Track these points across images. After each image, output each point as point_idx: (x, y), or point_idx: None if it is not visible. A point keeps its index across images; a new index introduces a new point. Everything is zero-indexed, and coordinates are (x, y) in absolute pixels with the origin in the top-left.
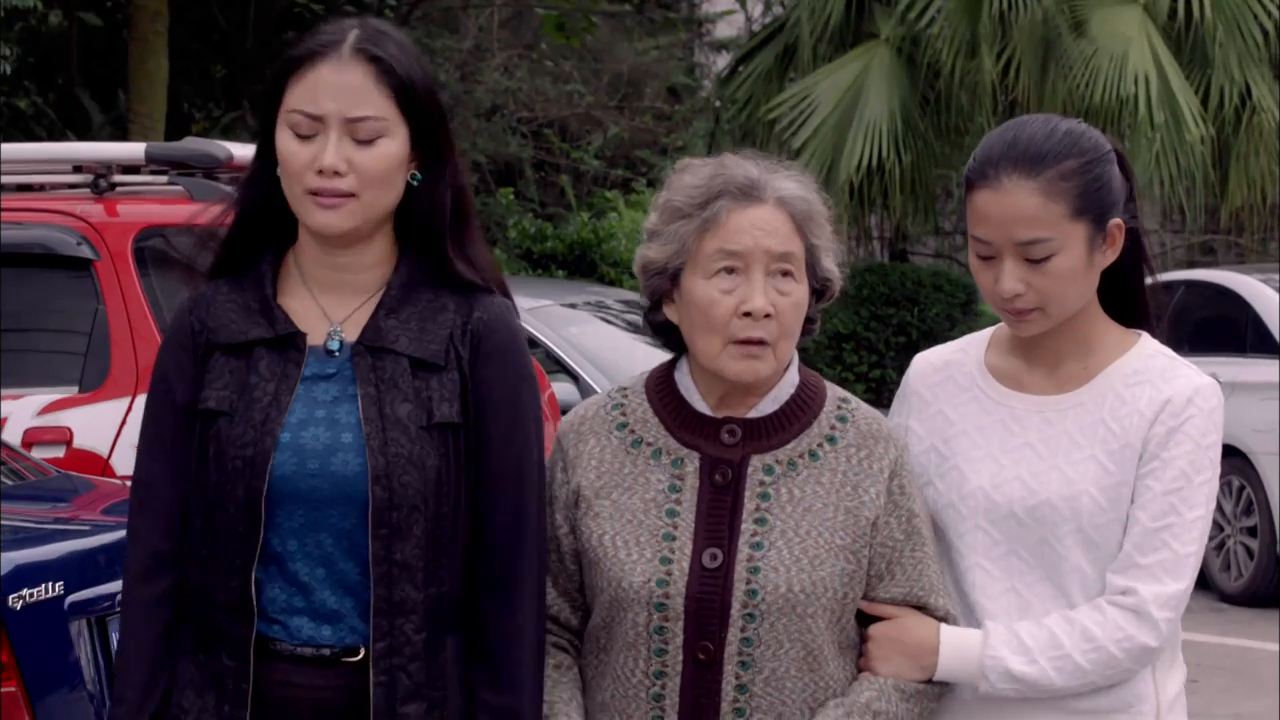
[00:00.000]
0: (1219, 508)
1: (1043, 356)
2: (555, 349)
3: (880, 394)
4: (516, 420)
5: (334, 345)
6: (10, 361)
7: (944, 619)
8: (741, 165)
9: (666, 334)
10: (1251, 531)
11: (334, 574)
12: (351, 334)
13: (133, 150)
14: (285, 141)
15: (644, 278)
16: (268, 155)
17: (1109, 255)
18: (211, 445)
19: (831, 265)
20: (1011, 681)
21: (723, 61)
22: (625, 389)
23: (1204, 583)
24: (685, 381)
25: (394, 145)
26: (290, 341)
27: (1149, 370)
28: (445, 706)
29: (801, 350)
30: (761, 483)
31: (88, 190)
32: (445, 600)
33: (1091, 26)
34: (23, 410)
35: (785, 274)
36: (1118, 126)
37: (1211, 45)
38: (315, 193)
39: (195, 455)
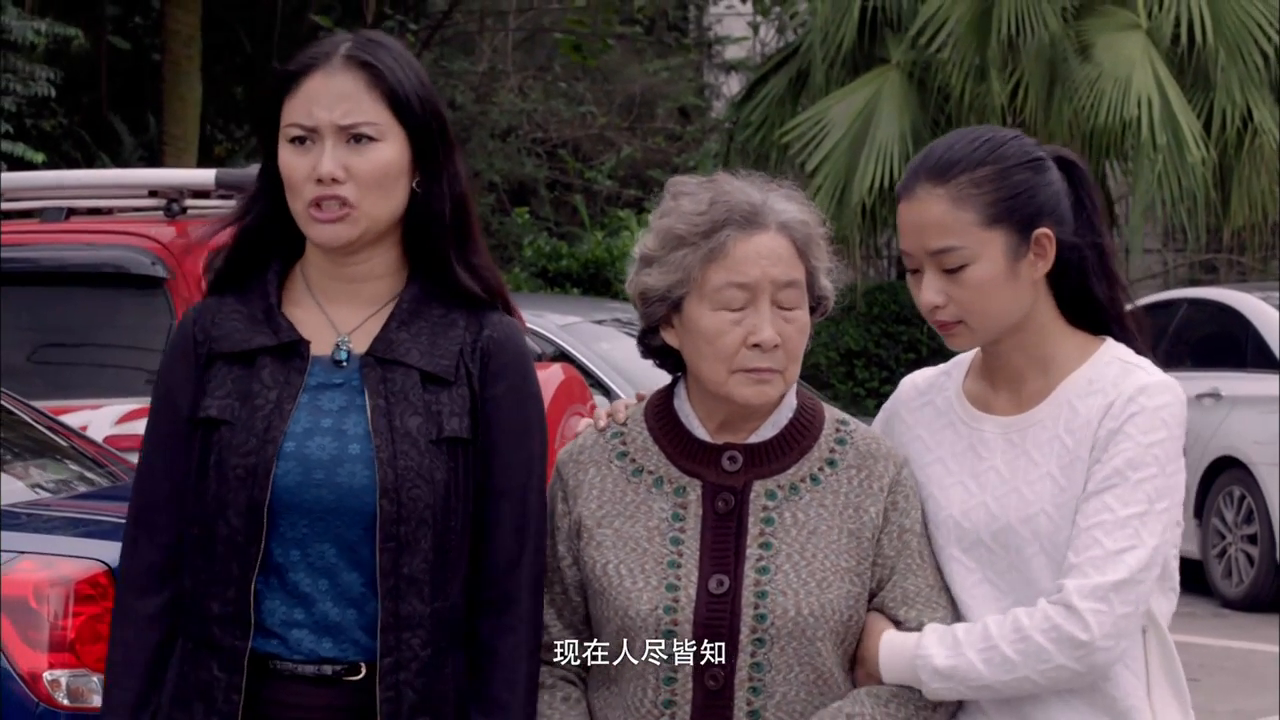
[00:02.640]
0: (1220, 517)
1: (1005, 377)
2: (589, 364)
3: None
4: (522, 439)
5: (341, 355)
6: (89, 374)
7: (916, 629)
8: (741, 189)
9: (663, 357)
10: (1252, 539)
11: (337, 586)
12: (360, 345)
13: (203, 176)
14: (285, 156)
15: (642, 304)
16: (271, 172)
17: (1039, 267)
18: (212, 454)
19: (827, 283)
20: (941, 679)
21: (732, 82)
22: (625, 420)
23: (1206, 589)
24: (684, 408)
25: (390, 150)
26: (294, 350)
27: (1102, 378)
28: None
29: (813, 365)
30: (765, 508)
31: (160, 214)
32: (450, 616)
33: (1096, 51)
34: (102, 419)
35: (790, 300)
36: (1121, 148)
37: (1213, 69)
38: (316, 204)
39: (195, 465)
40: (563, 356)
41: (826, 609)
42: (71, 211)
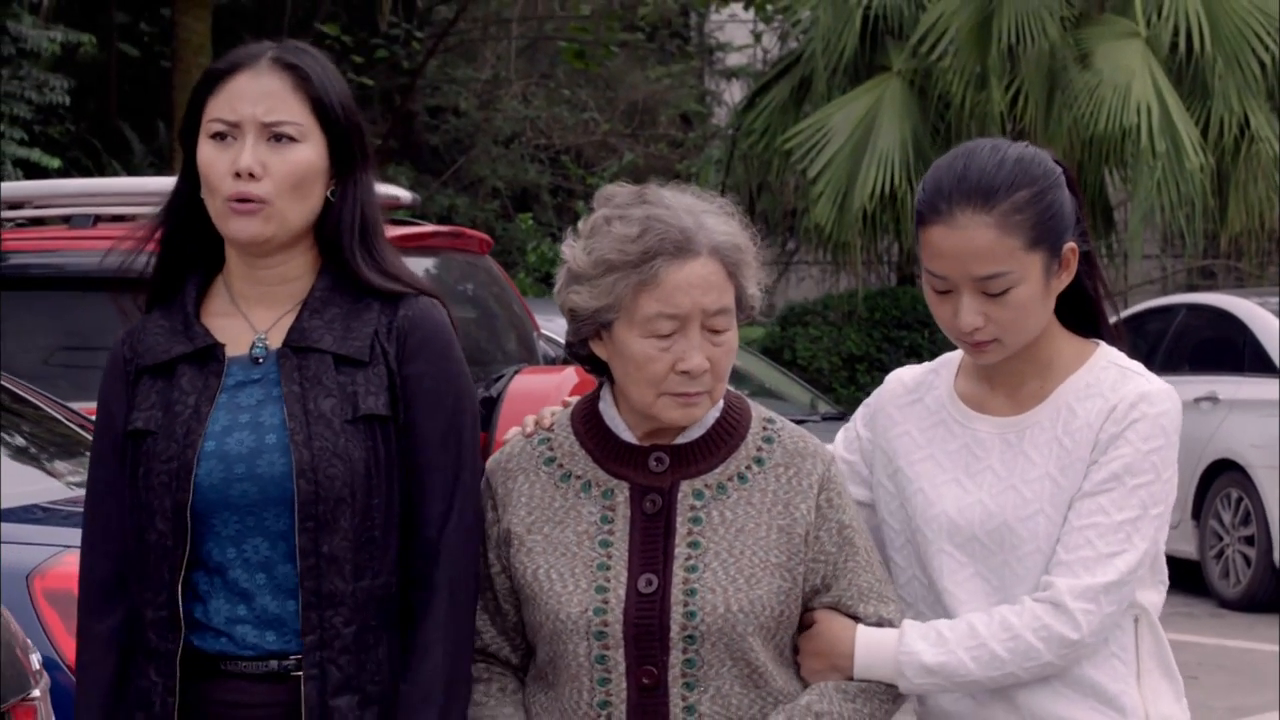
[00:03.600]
0: (1218, 519)
1: (1004, 379)
2: None
3: None
4: (444, 414)
5: (259, 352)
6: None
7: (876, 625)
8: (674, 213)
9: (593, 364)
10: (1249, 541)
11: (273, 578)
12: (276, 340)
13: None
14: (205, 152)
15: (570, 320)
16: (191, 177)
17: (1064, 279)
18: (140, 465)
19: (755, 291)
20: (928, 675)
21: (734, 88)
22: (551, 425)
23: (1204, 589)
24: (610, 413)
25: (309, 152)
26: (210, 354)
27: (1100, 383)
28: (382, 701)
29: (817, 370)
30: (692, 507)
31: None
32: (378, 594)
33: (1096, 59)
34: None
35: (719, 325)
36: (1121, 155)
37: (1211, 77)
38: (232, 199)
39: (128, 476)
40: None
41: (756, 605)
42: (98, 218)
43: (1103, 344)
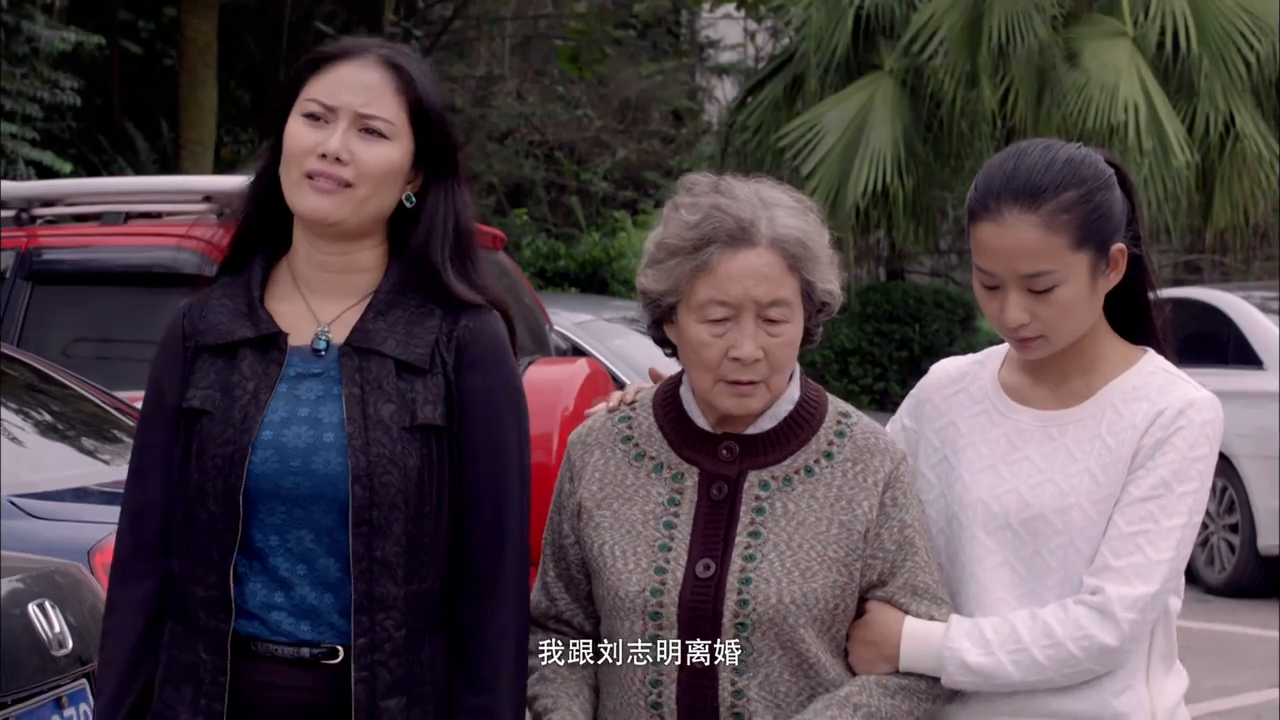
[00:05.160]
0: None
1: (1049, 374)
2: (603, 360)
3: (884, 405)
4: (497, 429)
5: (320, 345)
6: (144, 368)
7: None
8: (736, 203)
9: (672, 345)
10: (1234, 529)
11: (314, 571)
12: (339, 335)
13: None
14: (294, 126)
15: (642, 303)
16: (278, 151)
17: (1112, 279)
18: (194, 443)
19: (832, 287)
20: (969, 674)
21: (724, 85)
22: (634, 402)
23: (1190, 576)
24: (689, 397)
25: (395, 151)
26: (272, 341)
27: (1147, 386)
28: (426, 702)
29: (809, 364)
30: (757, 498)
31: (212, 218)
32: (426, 597)
33: (1084, 58)
34: None
35: (776, 315)
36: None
37: (1197, 76)
38: (312, 176)
39: (180, 454)
40: (577, 352)
41: (809, 597)
42: (129, 215)
43: (1150, 350)
